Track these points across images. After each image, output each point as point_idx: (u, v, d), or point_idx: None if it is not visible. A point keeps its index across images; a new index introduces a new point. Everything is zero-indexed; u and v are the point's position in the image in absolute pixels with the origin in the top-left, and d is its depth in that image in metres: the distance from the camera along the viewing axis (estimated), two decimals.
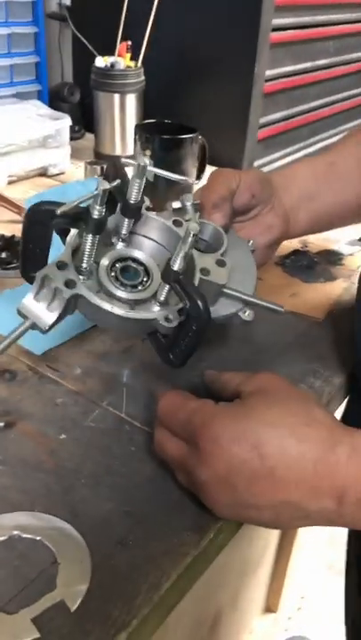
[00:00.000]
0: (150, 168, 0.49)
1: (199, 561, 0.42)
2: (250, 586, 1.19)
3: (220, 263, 0.51)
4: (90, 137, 1.25)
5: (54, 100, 1.28)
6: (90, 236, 0.47)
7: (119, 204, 0.51)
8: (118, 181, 0.49)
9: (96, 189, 0.45)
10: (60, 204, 0.47)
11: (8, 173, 1.01)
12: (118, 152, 1.15)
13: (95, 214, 0.46)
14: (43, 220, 0.49)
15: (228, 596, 1.08)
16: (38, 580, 0.38)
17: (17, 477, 0.45)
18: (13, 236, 0.77)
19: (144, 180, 0.49)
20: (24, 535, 0.40)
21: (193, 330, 0.46)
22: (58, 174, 1.08)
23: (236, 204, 0.57)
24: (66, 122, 1.06)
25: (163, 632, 0.40)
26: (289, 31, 1.24)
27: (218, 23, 1.14)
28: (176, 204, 0.55)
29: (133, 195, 0.50)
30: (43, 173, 1.07)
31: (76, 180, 0.97)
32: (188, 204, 0.53)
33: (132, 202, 0.50)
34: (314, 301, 0.72)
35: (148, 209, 0.53)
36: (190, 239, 0.45)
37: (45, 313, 0.46)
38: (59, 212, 0.47)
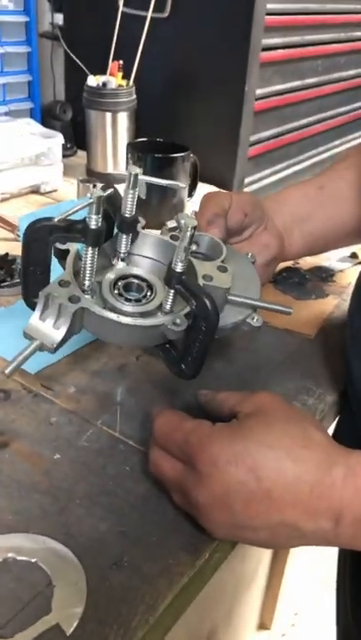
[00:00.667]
0: (142, 177, 0.49)
1: (195, 581, 0.41)
2: (243, 603, 1.18)
3: (222, 269, 0.52)
4: (82, 154, 1.26)
5: (46, 117, 1.29)
6: (90, 249, 0.47)
7: (115, 223, 0.51)
8: (112, 190, 0.50)
9: (90, 198, 0.46)
10: (55, 219, 0.47)
11: (0, 191, 1.01)
12: (110, 170, 1.16)
13: (93, 224, 0.46)
14: (41, 237, 0.49)
15: (222, 613, 1.07)
16: (33, 603, 0.38)
17: (12, 498, 0.45)
18: (7, 254, 0.77)
19: (137, 190, 0.50)
20: (19, 557, 0.40)
21: (203, 331, 0.46)
22: (50, 192, 1.08)
23: (230, 223, 0.58)
24: (58, 140, 1.07)
25: None
26: (278, 50, 1.26)
27: (209, 43, 1.16)
28: (171, 223, 0.55)
29: (128, 207, 0.50)
30: (35, 191, 1.07)
31: (70, 200, 0.98)
32: (183, 221, 0.53)
33: (127, 215, 0.50)
34: (305, 318, 0.73)
35: (143, 228, 0.54)
36: (189, 233, 0.45)
37: (52, 331, 0.46)
38: (57, 219, 0.47)
